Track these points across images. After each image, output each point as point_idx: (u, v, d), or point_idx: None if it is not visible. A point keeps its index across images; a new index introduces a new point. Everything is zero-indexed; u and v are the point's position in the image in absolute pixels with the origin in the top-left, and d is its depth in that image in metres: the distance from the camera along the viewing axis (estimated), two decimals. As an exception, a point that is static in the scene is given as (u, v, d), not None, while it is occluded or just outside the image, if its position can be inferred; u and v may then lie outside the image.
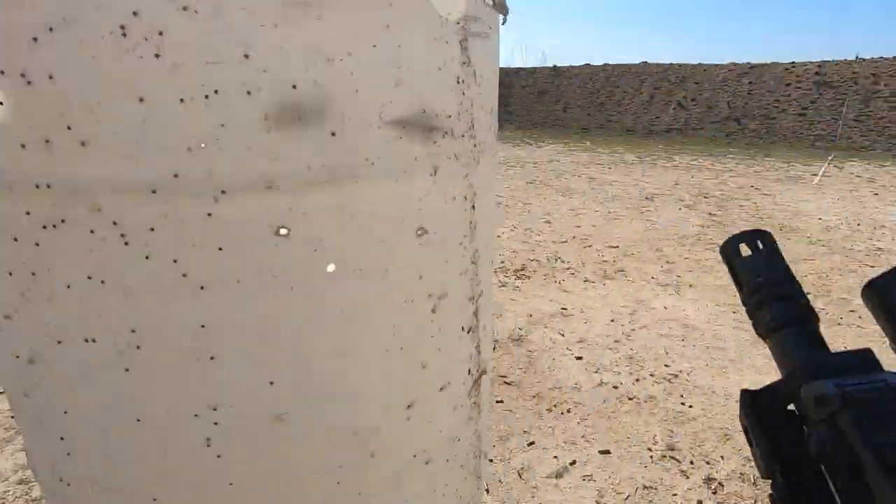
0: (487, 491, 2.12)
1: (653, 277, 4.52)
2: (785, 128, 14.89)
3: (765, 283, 0.36)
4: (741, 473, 2.22)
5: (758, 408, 0.31)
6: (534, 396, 2.76)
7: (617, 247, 5.41)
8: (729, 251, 0.40)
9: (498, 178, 9.55)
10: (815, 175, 9.96)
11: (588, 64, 21.03)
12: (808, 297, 0.41)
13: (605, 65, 20.47)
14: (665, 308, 3.89)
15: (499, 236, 5.75)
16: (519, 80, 21.66)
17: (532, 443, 2.41)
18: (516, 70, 22.18)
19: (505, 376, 2.94)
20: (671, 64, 18.59)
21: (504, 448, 2.36)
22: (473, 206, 0.52)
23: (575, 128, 18.33)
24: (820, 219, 6.61)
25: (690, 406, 2.69)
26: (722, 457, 2.32)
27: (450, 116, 0.45)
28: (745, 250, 0.40)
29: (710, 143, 15.10)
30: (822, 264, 4.84)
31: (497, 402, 2.70)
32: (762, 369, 3.03)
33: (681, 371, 3.02)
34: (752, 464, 2.27)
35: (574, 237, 5.76)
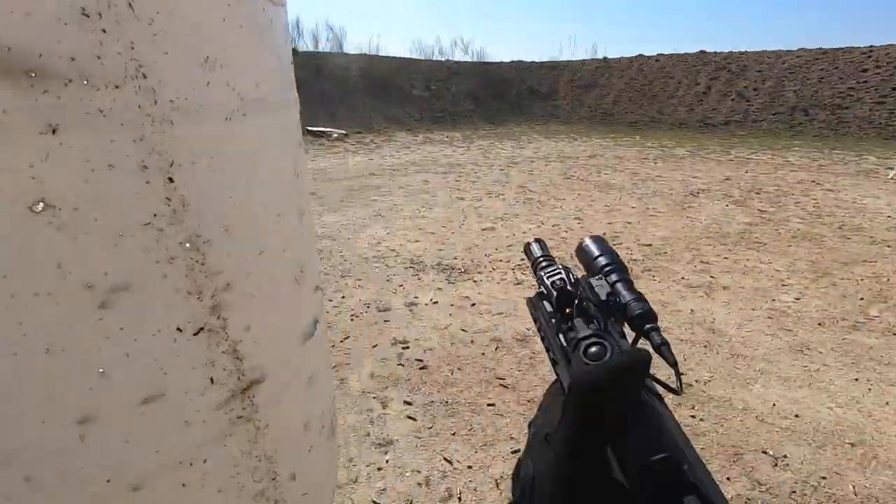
0: (460, 499, 2.00)
1: (683, 278, 4.21)
2: (860, 118, 13.60)
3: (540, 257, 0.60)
4: (747, 499, 1.97)
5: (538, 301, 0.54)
6: (529, 401, 2.60)
7: (649, 245, 5.09)
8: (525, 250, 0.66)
9: (539, 174, 9.28)
10: (892, 169, 9.01)
11: (640, 55, 20.16)
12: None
13: (659, 55, 19.54)
14: (691, 311, 3.59)
15: (524, 233, 5.56)
16: (566, 74, 21.08)
17: (517, 451, 2.26)
18: (565, 63, 21.58)
19: (502, 378, 2.80)
20: (731, 52, 17.48)
21: (486, 455, 2.23)
22: (171, 179, 0.42)
23: (624, 122, 17.60)
24: (889, 216, 5.94)
25: (702, 419, 2.45)
26: (728, 478, 2.08)
27: (74, 59, 0.35)
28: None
29: (771, 135, 14.05)
30: (882, 267, 4.33)
31: (488, 405, 2.57)
32: (793, 382, 2.72)
33: (697, 380, 2.76)
34: (761, 490, 2.02)
35: (604, 234, 5.47)
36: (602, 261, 0.50)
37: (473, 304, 3.75)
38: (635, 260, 4.66)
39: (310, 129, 15.63)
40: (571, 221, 6.04)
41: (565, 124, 18.63)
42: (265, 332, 0.55)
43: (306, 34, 28.63)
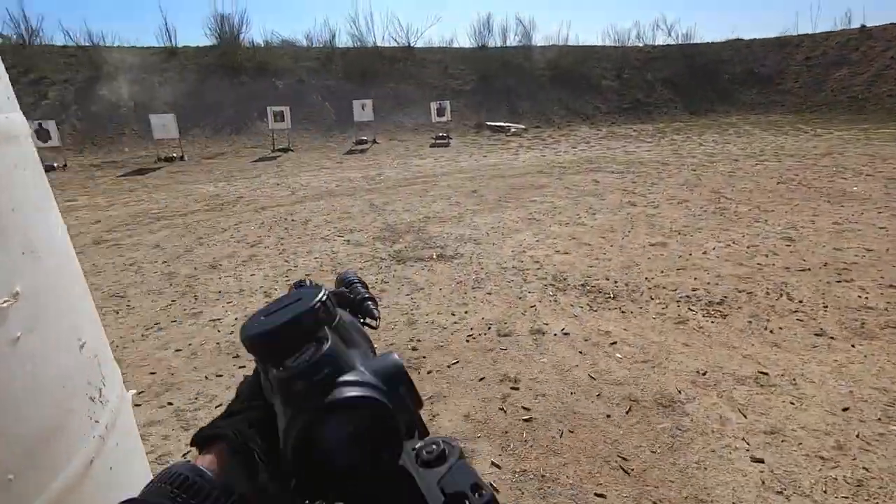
0: None
1: (956, 347, 2.80)
2: None
3: None
4: None
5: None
6: (655, 502, 1.89)
7: (900, 286, 3.58)
8: None
9: (743, 176, 7.61)
10: None
11: (921, 18, 15.27)
12: None
13: (953, 16, 14.51)
14: (965, 407, 2.32)
15: (704, 253, 4.47)
16: (801, 51, 17.16)
17: (620, 581, 1.63)
18: (799, 38, 17.60)
19: (625, 458, 2.12)
20: None
21: (573, 574, 1.65)
22: None
23: (882, 108, 13.54)
24: None
25: None
26: None
27: None
28: None
29: None
30: None
31: (596, 494, 1.95)
32: None
33: (964, 538, 1.69)
34: None
35: (825, 265, 4.06)
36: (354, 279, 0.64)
37: (613, 343, 3.04)
38: (870, 308, 3.30)
39: (488, 123, 15.70)
40: (777, 242, 4.65)
41: (793, 113, 15.18)
42: None
43: (496, 30, 28.85)
